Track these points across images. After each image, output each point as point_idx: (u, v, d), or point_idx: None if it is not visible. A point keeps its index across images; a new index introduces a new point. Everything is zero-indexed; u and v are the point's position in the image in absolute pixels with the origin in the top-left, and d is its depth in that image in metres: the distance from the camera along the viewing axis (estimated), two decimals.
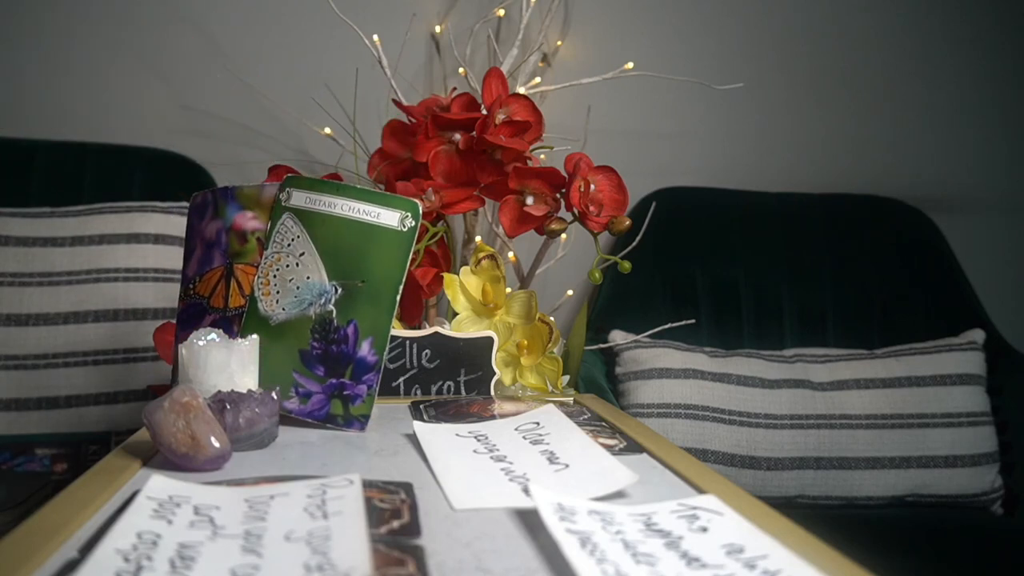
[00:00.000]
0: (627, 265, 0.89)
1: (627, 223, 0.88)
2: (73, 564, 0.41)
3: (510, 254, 1.18)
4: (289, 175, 0.76)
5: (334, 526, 0.45)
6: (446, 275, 0.89)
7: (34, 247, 1.21)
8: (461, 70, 1.36)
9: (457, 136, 0.96)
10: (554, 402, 0.77)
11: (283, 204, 0.74)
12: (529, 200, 0.92)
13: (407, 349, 0.83)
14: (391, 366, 0.83)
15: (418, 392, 0.84)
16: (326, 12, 1.23)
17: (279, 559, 0.41)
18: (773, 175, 1.58)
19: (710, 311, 1.44)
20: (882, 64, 1.61)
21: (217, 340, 0.68)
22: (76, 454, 1.15)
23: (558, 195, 0.92)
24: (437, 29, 1.48)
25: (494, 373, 0.85)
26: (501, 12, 1.42)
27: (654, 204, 1.26)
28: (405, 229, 0.73)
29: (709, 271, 1.46)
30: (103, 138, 1.40)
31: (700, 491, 0.55)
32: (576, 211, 0.89)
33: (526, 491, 0.53)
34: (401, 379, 0.84)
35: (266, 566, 0.41)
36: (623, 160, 1.07)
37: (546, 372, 0.88)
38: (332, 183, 0.74)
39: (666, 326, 1.18)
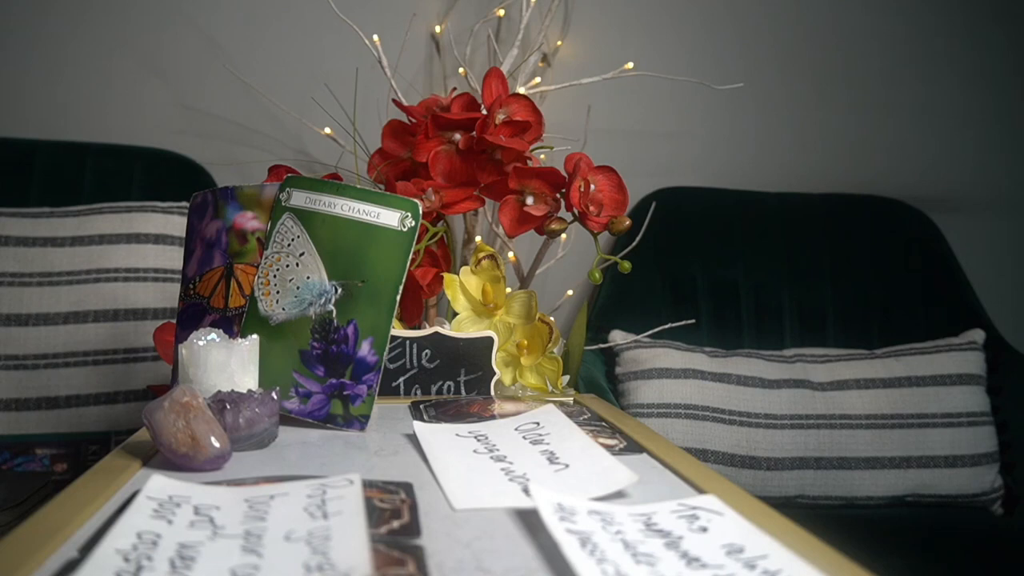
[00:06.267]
0: (627, 265, 0.89)
1: (627, 223, 0.88)
2: (73, 564, 0.41)
3: (510, 254, 1.18)
4: (289, 175, 0.76)
5: (334, 526, 0.45)
6: (446, 275, 0.89)
7: (34, 247, 1.21)
8: (461, 70, 1.36)
9: (457, 136, 0.96)
10: (554, 402, 0.77)
11: (283, 204, 0.74)
12: (529, 200, 0.92)
13: (407, 349, 0.83)
14: (391, 366, 0.83)
15: (418, 392, 0.84)
16: (326, 12, 1.23)
17: (279, 559, 0.41)
18: (773, 175, 1.58)
19: (710, 311, 1.44)
20: (882, 64, 1.61)
21: (217, 340, 0.68)
22: (76, 454, 1.15)
23: (558, 195, 0.92)
24: (437, 29, 1.48)
25: (494, 373, 0.85)
26: (501, 12, 1.42)
27: (654, 204, 1.26)
28: (405, 229, 0.73)
29: (709, 271, 1.47)
30: (103, 138, 1.40)
31: (700, 491, 0.55)
32: (576, 211, 0.89)
33: (526, 491, 0.53)
34: (401, 379, 0.84)
35: (266, 566, 0.41)
36: (623, 160, 1.07)
37: (546, 372, 0.88)
38: (332, 183, 0.74)
39: (666, 326, 1.18)
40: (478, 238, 1.17)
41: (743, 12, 1.58)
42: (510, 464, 0.59)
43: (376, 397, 0.72)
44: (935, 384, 1.28)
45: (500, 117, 0.94)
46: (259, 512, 0.48)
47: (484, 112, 0.95)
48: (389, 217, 0.73)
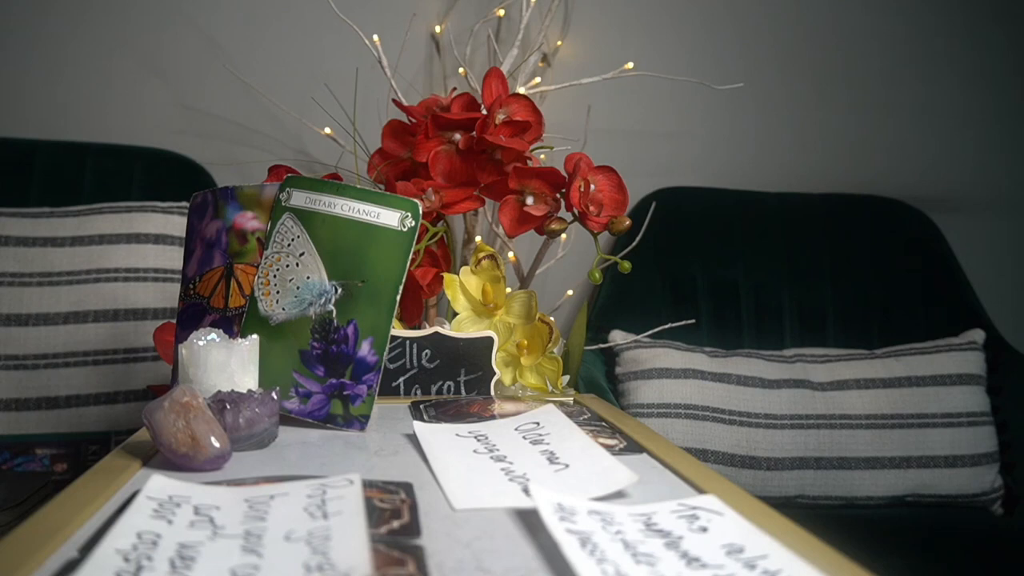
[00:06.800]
0: (627, 265, 0.89)
1: (627, 223, 0.88)
2: (73, 564, 0.41)
3: (510, 254, 1.18)
4: (289, 175, 0.76)
5: (334, 526, 0.45)
6: (446, 275, 0.89)
7: (34, 247, 1.21)
8: (461, 70, 1.36)
9: (457, 136, 0.96)
10: (554, 402, 0.77)
11: (283, 204, 0.74)
12: (529, 200, 0.92)
13: (407, 349, 0.83)
14: (391, 366, 0.83)
15: (418, 392, 0.84)
16: (326, 12, 1.23)
17: (279, 559, 0.41)
18: (773, 175, 1.58)
19: (710, 311, 1.44)
20: (882, 64, 1.61)
21: (217, 340, 0.68)
22: (76, 454, 1.15)
23: (558, 195, 0.92)
24: (437, 29, 1.48)
25: (494, 373, 0.85)
26: (501, 12, 1.41)
27: (654, 204, 1.26)
28: (405, 229, 0.73)
29: (709, 271, 1.46)
30: (103, 138, 1.40)
31: (700, 491, 0.55)
32: (576, 211, 0.89)
33: (526, 491, 0.53)
34: (401, 379, 0.84)
35: (266, 566, 0.41)
36: (623, 160, 1.07)
37: (546, 372, 0.88)
38: (332, 183, 0.74)
39: (666, 326, 1.18)
40: (478, 238, 1.17)
41: (743, 12, 1.58)
42: (510, 464, 0.59)
43: (376, 397, 0.72)
44: (935, 384, 1.28)
45: (500, 117, 0.94)
46: (259, 512, 0.48)
47: (484, 112, 0.95)
48: (389, 217, 0.73)
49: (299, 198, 0.74)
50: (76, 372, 1.16)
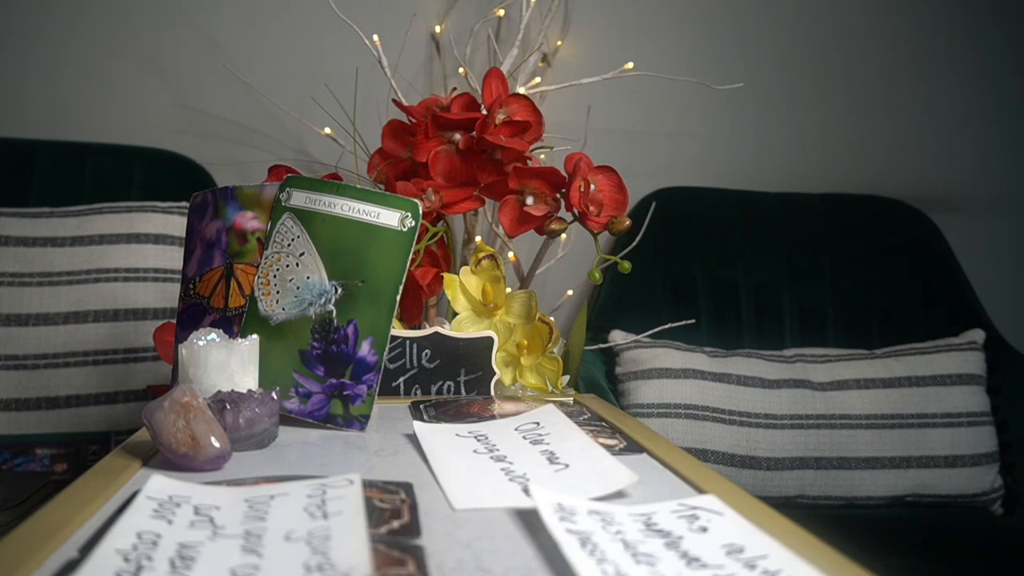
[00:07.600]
0: (627, 265, 0.89)
1: (627, 223, 0.88)
2: (73, 564, 0.41)
3: (510, 254, 1.18)
4: (289, 175, 0.76)
5: (334, 526, 0.45)
6: (446, 275, 0.89)
7: (34, 247, 1.21)
8: (461, 70, 1.36)
9: (457, 136, 0.96)
10: (554, 402, 0.77)
11: (283, 204, 0.74)
12: (529, 200, 0.92)
13: (407, 349, 0.83)
14: (391, 366, 0.83)
15: (418, 392, 0.84)
16: (326, 12, 1.23)
17: (279, 559, 0.41)
18: (773, 175, 1.58)
19: (710, 311, 1.44)
20: (882, 64, 1.61)
21: (217, 340, 0.68)
22: (76, 454, 1.15)
23: (558, 195, 0.92)
24: (437, 29, 1.48)
25: (494, 373, 0.85)
26: (501, 12, 1.41)
27: (654, 204, 1.26)
28: (405, 229, 0.73)
29: (709, 271, 1.46)
30: (103, 138, 1.40)
31: (700, 491, 0.55)
32: (576, 211, 0.89)
33: (526, 491, 0.53)
34: (401, 379, 0.84)
35: (266, 566, 0.41)
36: (623, 160, 1.07)
37: (546, 372, 0.88)
38: (332, 183, 0.74)
39: (666, 326, 1.18)
40: (478, 238, 1.17)
41: (743, 12, 1.58)
42: (510, 464, 0.59)
43: (376, 397, 0.72)
44: (935, 384, 1.28)
45: (500, 117, 0.94)
46: (259, 512, 0.48)
47: (484, 112, 0.95)
48: (389, 217, 0.73)
49: (299, 198, 0.74)
50: (76, 372, 1.16)
